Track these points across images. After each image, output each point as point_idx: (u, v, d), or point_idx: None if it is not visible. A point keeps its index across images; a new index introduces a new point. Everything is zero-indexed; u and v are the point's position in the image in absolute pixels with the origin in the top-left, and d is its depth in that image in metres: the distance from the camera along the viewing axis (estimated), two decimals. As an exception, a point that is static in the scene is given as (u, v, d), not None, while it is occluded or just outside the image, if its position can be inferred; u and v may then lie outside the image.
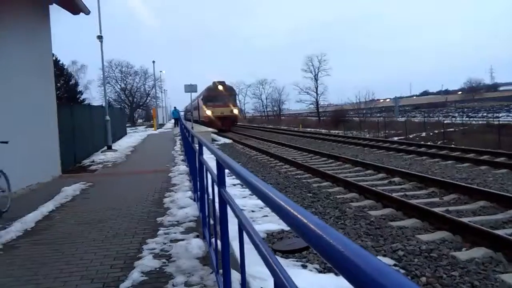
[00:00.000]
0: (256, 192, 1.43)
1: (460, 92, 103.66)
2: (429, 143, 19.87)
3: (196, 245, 4.14)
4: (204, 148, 4.18)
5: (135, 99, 75.64)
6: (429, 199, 8.49)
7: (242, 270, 1.91)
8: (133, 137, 25.48)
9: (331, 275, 4.67)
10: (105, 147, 17.19)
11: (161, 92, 70.89)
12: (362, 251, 0.71)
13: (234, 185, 9.40)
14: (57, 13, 11.05)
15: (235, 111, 39.91)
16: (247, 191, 8.76)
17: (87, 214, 6.12)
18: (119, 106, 55.11)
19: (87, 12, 11.73)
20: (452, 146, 18.04)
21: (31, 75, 9.34)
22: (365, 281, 0.64)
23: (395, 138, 24.16)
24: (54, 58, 15.93)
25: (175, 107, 43.99)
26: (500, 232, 5.95)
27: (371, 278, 0.63)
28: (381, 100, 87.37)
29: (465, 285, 4.55)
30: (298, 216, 0.97)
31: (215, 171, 2.73)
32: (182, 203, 6.21)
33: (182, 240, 4.49)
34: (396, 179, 10.61)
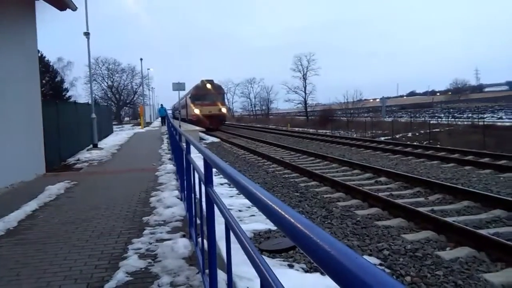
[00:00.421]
0: (244, 191, 1.42)
1: (447, 93, 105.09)
2: (415, 143, 20.12)
3: (182, 244, 4.11)
4: (192, 147, 4.15)
5: (122, 97, 75.08)
6: (414, 198, 8.59)
7: (228, 270, 1.90)
8: (119, 135, 25.24)
9: (318, 274, 4.69)
10: (91, 145, 17.01)
11: (149, 90, 70.53)
12: (348, 251, 0.71)
13: (222, 184, 9.38)
14: (43, 9, 10.88)
15: (223, 110, 39.84)
16: (234, 191, 8.75)
17: (71, 213, 6.04)
18: (105, 104, 54.66)
19: (74, 8, 11.56)
20: (438, 146, 18.28)
21: (15, 72, 9.17)
22: (351, 280, 0.64)
23: (382, 138, 24.40)
24: (39, 55, 15.67)
25: (161, 105, 42.25)
26: (483, 231, 6.05)
27: (357, 277, 0.63)
28: (371, 100, 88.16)
29: (449, 285, 4.62)
30: (285, 215, 0.96)
31: (202, 170, 2.72)
32: (169, 203, 6.16)
33: (168, 239, 4.46)
34: (383, 178, 10.71)
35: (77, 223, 5.48)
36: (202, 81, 38.93)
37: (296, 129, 39.56)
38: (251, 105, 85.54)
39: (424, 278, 4.78)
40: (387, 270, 4.99)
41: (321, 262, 0.74)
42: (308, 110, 59.35)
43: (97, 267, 3.85)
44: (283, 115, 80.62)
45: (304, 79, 59.86)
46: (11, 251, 4.46)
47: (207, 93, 38.10)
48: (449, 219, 6.65)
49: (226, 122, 44.91)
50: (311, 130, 35.73)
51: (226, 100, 51.54)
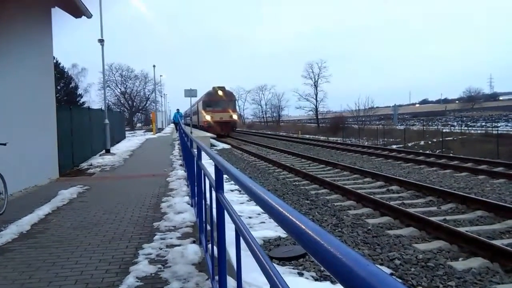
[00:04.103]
0: (255, 197, 1.42)
1: (462, 101, 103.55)
2: (427, 152, 19.91)
3: (192, 250, 4.11)
4: (203, 153, 4.18)
5: (134, 103, 75.91)
6: (426, 208, 8.48)
7: (238, 276, 1.90)
8: (131, 141, 25.46)
9: (328, 283, 4.65)
10: (104, 151, 17.17)
11: (161, 96, 71.12)
12: (359, 258, 0.70)
13: (232, 191, 9.39)
14: (59, 16, 11.10)
15: (235, 117, 39.95)
16: (244, 197, 8.74)
17: (83, 217, 6.09)
18: (118, 110, 55.24)
19: (89, 16, 11.78)
20: (451, 155, 18.07)
21: (31, 78, 9.34)
22: (362, 287, 0.63)
23: (394, 146, 24.20)
24: (54, 61, 15.96)
25: (178, 109, 36.81)
26: (497, 242, 5.94)
27: (368, 284, 0.62)
28: (384, 107, 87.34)
29: (462, 295, 4.53)
30: (296, 222, 0.96)
31: (213, 176, 2.73)
32: (179, 208, 6.18)
33: (179, 245, 4.46)
34: (394, 187, 10.60)
35: (89, 227, 5.53)
36: (213, 87, 39.14)
37: (307, 136, 39.46)
38: (262, 112, 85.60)
39: (436, 288, 4.70)
40: (398, 280, 4.92)
41: (332, 269, 0.74)
42: (319, 117, 59.24)
43: (107, 272, 3.88)
44: (294, 122, 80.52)
45: (315, 86, 59.89)
46: (23, 254, 4.51)
47: (219, 100, 38.28)
48: (462, 229, 6.55)
49: (237, 129, 45.04)
50: (322, 138, 35.62)
51: (237, 107, 51.75)
